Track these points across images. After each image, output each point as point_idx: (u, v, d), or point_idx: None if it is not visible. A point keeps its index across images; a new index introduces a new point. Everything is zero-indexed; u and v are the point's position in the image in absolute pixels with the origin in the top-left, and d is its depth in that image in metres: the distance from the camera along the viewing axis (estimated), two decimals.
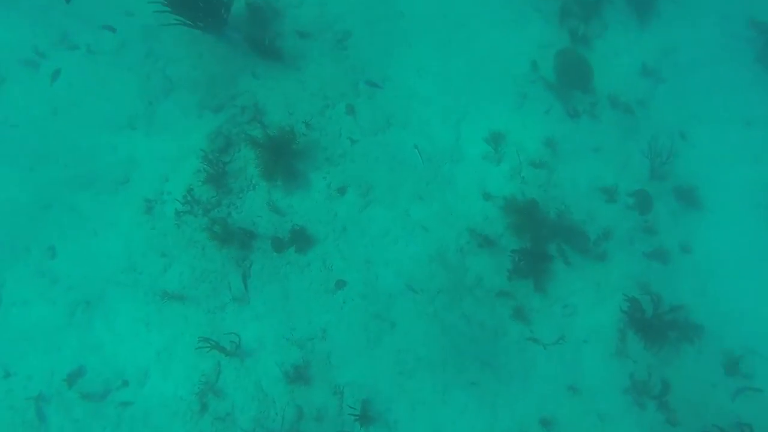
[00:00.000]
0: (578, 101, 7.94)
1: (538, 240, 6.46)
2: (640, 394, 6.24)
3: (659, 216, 7.17)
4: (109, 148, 7.24)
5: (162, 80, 7.54)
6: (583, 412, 6.30)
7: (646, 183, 7.41)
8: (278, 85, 7.54)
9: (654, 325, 6.02)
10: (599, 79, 8.18)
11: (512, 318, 6.38)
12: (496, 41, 8.37)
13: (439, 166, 7.45)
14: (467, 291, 6.61)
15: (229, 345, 6.32)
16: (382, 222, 7.03)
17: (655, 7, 8.68)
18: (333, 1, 8.13)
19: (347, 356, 6.39)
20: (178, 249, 6.83)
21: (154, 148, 7.28)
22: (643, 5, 8.57)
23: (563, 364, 6.40)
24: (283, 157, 6.95)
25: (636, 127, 7.85)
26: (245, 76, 7.60)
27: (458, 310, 6.48)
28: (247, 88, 7.52)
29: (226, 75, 7.56)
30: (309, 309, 6.61)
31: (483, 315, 6.47)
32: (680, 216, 7.18)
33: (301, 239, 6.83)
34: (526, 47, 8.27)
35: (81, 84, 7.36)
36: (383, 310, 6.54)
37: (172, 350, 6.44)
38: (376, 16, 8.15)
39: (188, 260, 6.78)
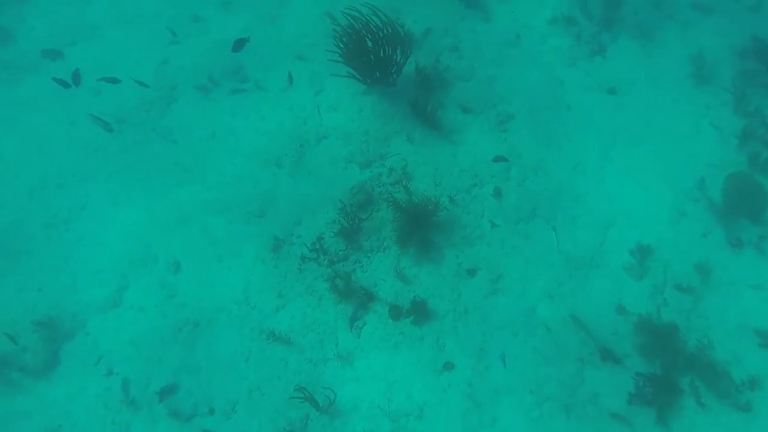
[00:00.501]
0: (744, 230, 10.62)
1: (670, 368, 9.00)
2: None
3: None
4: (252, 179, 11.27)
5: (316, 125, 11.66)
6: None
7: None
8: (431, 154, 11.28)
9: None
10: None
11: None
12: (663, 150, 11.52)
13: (576, 269, 10.42)
14: (579, 404, 9.23)
15: (322, 400, 9.43)
16: (506, 313, 10.05)
17: None
18: (502, 82, 12.03)
19: None
20: (294, 293, 10.30)
21: (295, 189, 11.18)
22: None
23: None
24: (421, 227, 10.41)
25: None
26: (399, 139, 11.47)
27: (565, 421, 9.11)
28: (399, 150, 11.34)
29: (381, 134, 11.49)
30: (411, 384, 9.59)
31: None
32: None
33: (420, 311, 10.00)
34: (695, 163, 11.28)
35: (244, 116, 11.70)
36: (487, 402, 9.35)
37: (265, 391, 9.68)
38: (542, 104, 11.83)
39: (302, 306, 10.19)
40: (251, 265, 10.28)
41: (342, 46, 10.85)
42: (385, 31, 10.47)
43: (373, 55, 10.61)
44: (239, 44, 10.24)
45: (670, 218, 10.56)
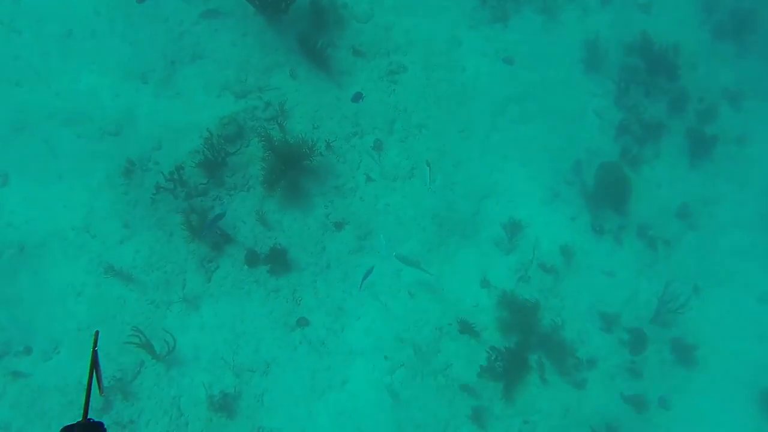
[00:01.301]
0: (607, 219, 11.06)
1: (523, 345, 9.15)
2: None
3: (648, 361, 9.91)
4: (111, 91, 9.93)
5: (193, 44, 10.44)
6: None
7: (646, 324, 10.31)
8: (313, 94, 10.48)
9: None
10: (635, 204, 11.38)
11: (469, 418, 8.86)
12: (547, 128, 11.47)
13: (448, 236, 10.24)
14: (431, 374, 9.16)
15: (160, 347, 8.61)
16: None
17: (711, 154, 12.21)
18: (400, 31, 11.37)
19: (284, 402, 8.70)
20: (143, 225, 9.27)
21: (159, 110, 9.98)
22: (700, 148, 12.05)
23: None
24: (292, 170, 9.70)
25: (654, 265, 10.92)
26: (282, 73, 10.55)
27: (415, 389, 8.99)
28: (279, 84, 10.43)
29: (263, 64, 10.50)
30: (260, 338, 9.00)
31: (439, 405, 8.96)
32: (670, 369, 9.96)
33: (278, 261, 9.37)
34: (575, 147, 11.47)
35: (108, 19, 10.21)
36: (338, 364, 9.00)
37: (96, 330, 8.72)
38: (436, 62, 11.36)
39: (150, 241, 9.21)
40: (97, 188, 9.16)
41: None
42: None
43: None
44: None
45: (545, 197, 10.69)
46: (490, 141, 10.92)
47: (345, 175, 9.95)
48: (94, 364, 2.37)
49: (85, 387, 2.34)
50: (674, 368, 9.59)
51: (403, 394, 8.60)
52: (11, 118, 9.31)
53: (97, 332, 2.56)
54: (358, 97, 9.19)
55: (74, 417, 2.41)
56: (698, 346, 9.76)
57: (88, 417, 2.24)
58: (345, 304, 9.18)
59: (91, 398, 2.37)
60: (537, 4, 12.29)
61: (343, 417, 8.38)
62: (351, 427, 8.27)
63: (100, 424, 2.15)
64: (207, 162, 9.38)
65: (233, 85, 10.10)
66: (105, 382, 2.93)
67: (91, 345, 2.45)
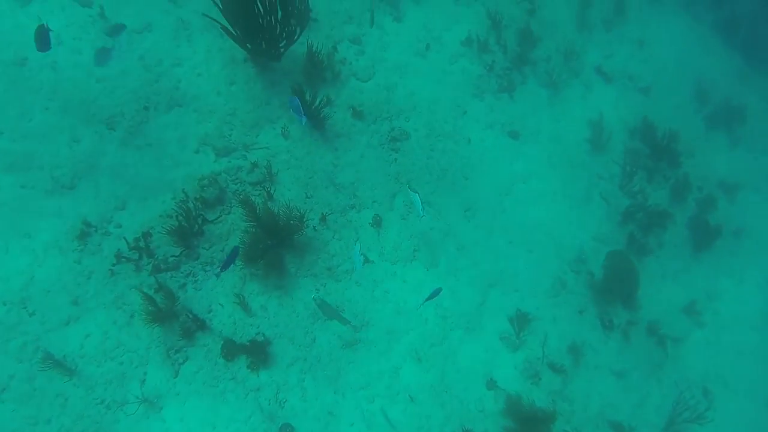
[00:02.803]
0: (615, 313, 10.27)
1: None
2: None
3: None
4: (69, 136, 8.30)
5: (172, 88, 8.98)
6: None
7: None
8: (307, 158, 9.19)
9: None
10: (643, 296, 10.69)
11: None
12: (554, 211, 10.77)
13: (451, 329, 9.08)
14: None
15: None
16: (365, 372, 8.31)
17: (714, 246, 11.79)
18: (402, 93, 10.33)
19: None
20: (97, 302, 7.61)
21: (126, 162, 8.42)
22: (703, 239, 11.61)
23: None
24: (279, 245, 8.31)
25: (663, 365, 10.22)
26: (272, 130, 9.23)
27: None
28: (269, 143, 9.10)
29: (251, 117, 9.15)
30: None
31: None
32: None
33: (260, 353, 7.88)
34: (581, 233, 10.72)
35: (73, 49, 8.64)
36: None
37: None
38: (440, 130, 10.37)
39: (105, 323, 7.54)
40: (42, 253, 7.50)
41: None
42: None
43: (262, 14, 8.29)
44: None
45: (551, 288, 9.83)
46: (495, 223, 9.96)
47: (340, 255, 8.65)
48: None
49: None
50: None
51: None
52: None
53: None
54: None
55: None
56: None
57: None
58: (337, 408, 7.77)
59: None
60: (542, 77, 11.64)
61: None
62: None
63: None
64: (180, 229, 7.86)
65: (215, 141, 8.70)
66: None
67: None
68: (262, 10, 8.34)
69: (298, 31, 8.71)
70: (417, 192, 8.26)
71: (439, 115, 10.35)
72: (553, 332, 9.53)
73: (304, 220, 8.22)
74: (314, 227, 8.57)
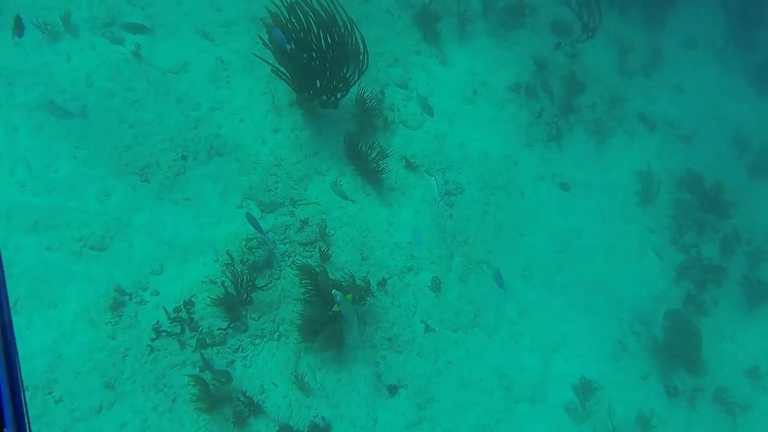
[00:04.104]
0: (680, 378, 9.57)
1: None
2: None
3: None
4: (98, 190, 7.33)
5: (212, 135, 8.08)
6: None
7: None
8: (360, 215, 8.34)
9: None
10: (705, 359, 10.05)
11: None
12: (609, 269, 10.12)
13: (516, 401, 8.25)
14: None
15: None
16: None
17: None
18: (452, 142, 9.60)
19: None
20: (135, 385, 6.59)
21: (162, 220, 7.46)
22: (756, 297, 11.11)
23: None
24: (339, 316, 7.39)
25: None
26: (321, 183, 8.36)
27: None
28: (318, 198, 8.23)
29: (298, 169, 8.28)
30: None
31: None
32: None
33: None
34: (638, 292, 10.07)
35: (102, 90, 7.71)
36: None
37: None
38: (493, 183, 9.64)
39: (143, 410, 6.51)
40: (70, 327, 6.51)
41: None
42: (339, 31, 7.44)
43: (318, 57, 7.48)
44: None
45: (612, 352, 9.14)
46: (554, 282, 9.22)
47: (400, 323, 7.79)
48: None
49: None
50: None
51: None
52: None
53: None
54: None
55: None
56: None
57: None
58: None
59: None
60: (589, 125, 11.04)
61: None
62: None
63: None
64: (227, 297, 6.89)
65: (260, 195, 7.83)
66: None
67: None
68: (318, 54, 7.50)
69: (356, 76, 7.91)
70: (434, 176, 7.80)
71: (492, 166, 9.64)
72: (619, 401, 8.84)
73: (368, 287, 7.30)
74: (372, 293, 7.65)
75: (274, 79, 8.36)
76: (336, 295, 6.54)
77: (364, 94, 8.58)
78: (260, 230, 6.88)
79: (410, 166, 8.88)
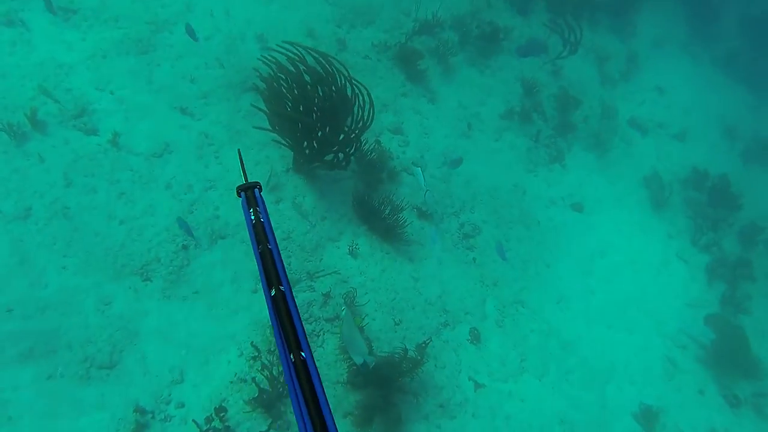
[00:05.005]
0: (738, 386, 9.08)
1: None
2: None
3: None
4: (96, 299, 6.52)
5: (210, 217, 7.37)
6: None
7: None
8: (384, 276, 7.67)
9: None
10: (761, 360, 9.59)
11: None
12: (640, 284, 9.66)
13: None
14: None
15: None
16: None
17: None
18: (458, 182, 9.07)
19: None
20: None
21: (172, 321, 6.68)
22: None
23: None
24: (389, 395, 6.68)
25: None
26: (336, 249, 7.70)
27: None
28: (337, 265, 7.56)
29: (309, 239, 7.60)
30: None
31: None
32: None
33: None
34: (672, 302, 9.63)
35: (84, 187, 6.95)
36: None
37: None
38: (508, 217, 9.13)
39: None
40: None
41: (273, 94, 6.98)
42: (337, 83, 6.88)
43: (319, 114, 6.88)
44: None
45: (665, 371, 8.60)
46: (590, 309, 8.67)
47: (448, 386, 7.11)
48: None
49: None
50: None
51: None
52: None
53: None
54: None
55: None
56: None
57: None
58: None
59: None
60: (587, 140, 10.72)
61: None
62: None
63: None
64: (261, 395, 6.12)
65: None
66: None
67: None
68: (320, 111, 6.90)
69: (359, 132, 7.34)
70: (419, 166, 7.80)
71: (502, 199, 9.16)
72: (683, 422, 8.22)
73: (419, 359, 6.61)
74: (415, 359, 6.96)
75: (266, 147, 7.73)
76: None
77: (363, 147, 7.99)
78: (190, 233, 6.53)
79: (423, 215, 8.28)
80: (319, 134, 6.80)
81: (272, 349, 6.59)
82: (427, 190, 7.61)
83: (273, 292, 1.63)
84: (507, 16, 11.95)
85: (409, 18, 10.78)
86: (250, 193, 2.02)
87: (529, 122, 10.36)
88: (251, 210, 1.95)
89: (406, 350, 6.56)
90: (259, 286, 7.08)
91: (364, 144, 7.75)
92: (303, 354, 1.44)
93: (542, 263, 8.85)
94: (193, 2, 9.32)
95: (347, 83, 6.60)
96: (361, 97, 6.73)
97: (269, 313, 1.58)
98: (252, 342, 6.54)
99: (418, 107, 9.67)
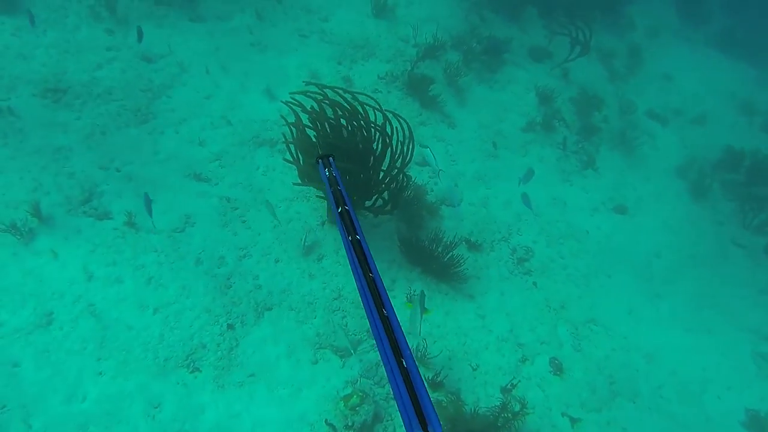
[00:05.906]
0: None
1: None
2: None
3: None
4: (145, 401, 5.70)
5: (249, 288, 6.62)
6: None
7: None
8: (449, 320, 6.96)
9: None
10: None
11: None
12: (705, 281, 9.07)
13: None
14: None
15: None
16: None
17: None
18: (497, 203, 8.46)
19: None
20: None
21: (232, 411, 5.87)
22: None
23: None
24: None
25: None
26: (392, 299, 6.96)
27: None
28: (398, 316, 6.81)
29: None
30: None
31: None
32: None
33: None
34: (743, 292, 9.04)
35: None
36: None
37: None
38: (556, 232, 8.52)
39: None
40: None
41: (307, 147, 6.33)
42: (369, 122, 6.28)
43: (359, 160, 6.24)
44: None
45: (758, 368, 8.00)
46: (661, 314, 8.05)
47: (543, 427, 6.37)
48: None
49: None
50: None
51: None
52: None
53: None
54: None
55: None
56: None
57: None
58: None
59: None
60: (613, 140, 10.21)
61: None
62: None
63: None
64: None
65: (331, 339, 6.35)
66: None
67: None
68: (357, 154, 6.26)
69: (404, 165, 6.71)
70: (428, 147, 7.56)
71: (546, 215, 8.58)
72: None
73: (515, 412, 5.86)
74: (517, 412, 6.22)
75: (294, 202, 7.03)
76: None
77: (404, 184, 7.34)
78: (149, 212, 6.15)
79: (473, 246, 7.60)
80: (362, 176, 6.12)
81: (349, 424, 5.78)
82: (440, 170, 7.46)
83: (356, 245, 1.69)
84: (503, 28, 11.54)
85: (408, 44, 10.29)
86: (325, 160, 2.24)
87: (553, 131, 9.83)
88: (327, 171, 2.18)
89: (504, 407, 5.79)
90: (319, 356, 6.32)
91: (404, 181, 7.11)
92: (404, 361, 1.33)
93: (603, 275, 8.21)
94: (186, 62, 8.70)
95: (383, 118, 5.97)
96: (400, 131, 6.10)
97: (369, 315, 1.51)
98: (326, 420, 5.74)
99: (440, 134, 9.09)
